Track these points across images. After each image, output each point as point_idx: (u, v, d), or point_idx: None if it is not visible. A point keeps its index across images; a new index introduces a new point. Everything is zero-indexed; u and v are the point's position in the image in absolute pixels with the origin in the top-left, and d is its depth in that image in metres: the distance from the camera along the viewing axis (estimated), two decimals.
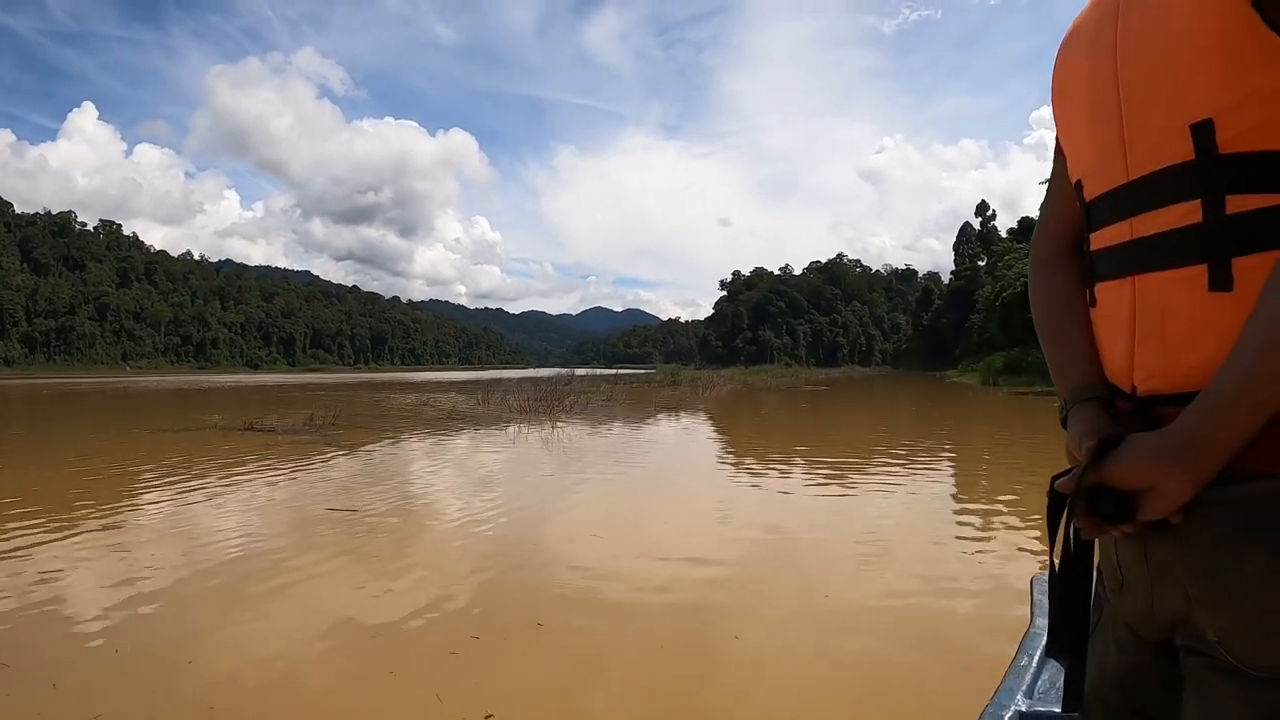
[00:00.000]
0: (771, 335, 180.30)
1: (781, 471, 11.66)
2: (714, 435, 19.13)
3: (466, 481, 10.45)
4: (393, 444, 14.60)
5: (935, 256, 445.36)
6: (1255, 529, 0.90)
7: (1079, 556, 1.09)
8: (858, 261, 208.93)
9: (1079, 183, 1.14)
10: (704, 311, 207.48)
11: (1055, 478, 1.05)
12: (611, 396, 29.80)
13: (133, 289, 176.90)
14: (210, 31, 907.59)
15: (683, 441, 17.26)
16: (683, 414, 23.83)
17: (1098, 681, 1.15)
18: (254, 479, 10.23)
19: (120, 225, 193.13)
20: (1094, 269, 1.11)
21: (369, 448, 13.85)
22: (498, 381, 33.04)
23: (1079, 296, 1.16)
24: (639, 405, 26.29)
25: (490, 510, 8.30)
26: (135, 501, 8.76)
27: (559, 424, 18.66)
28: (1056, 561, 1.10)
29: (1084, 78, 1.11)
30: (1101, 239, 1.08)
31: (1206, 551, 0.94)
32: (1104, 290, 1.09)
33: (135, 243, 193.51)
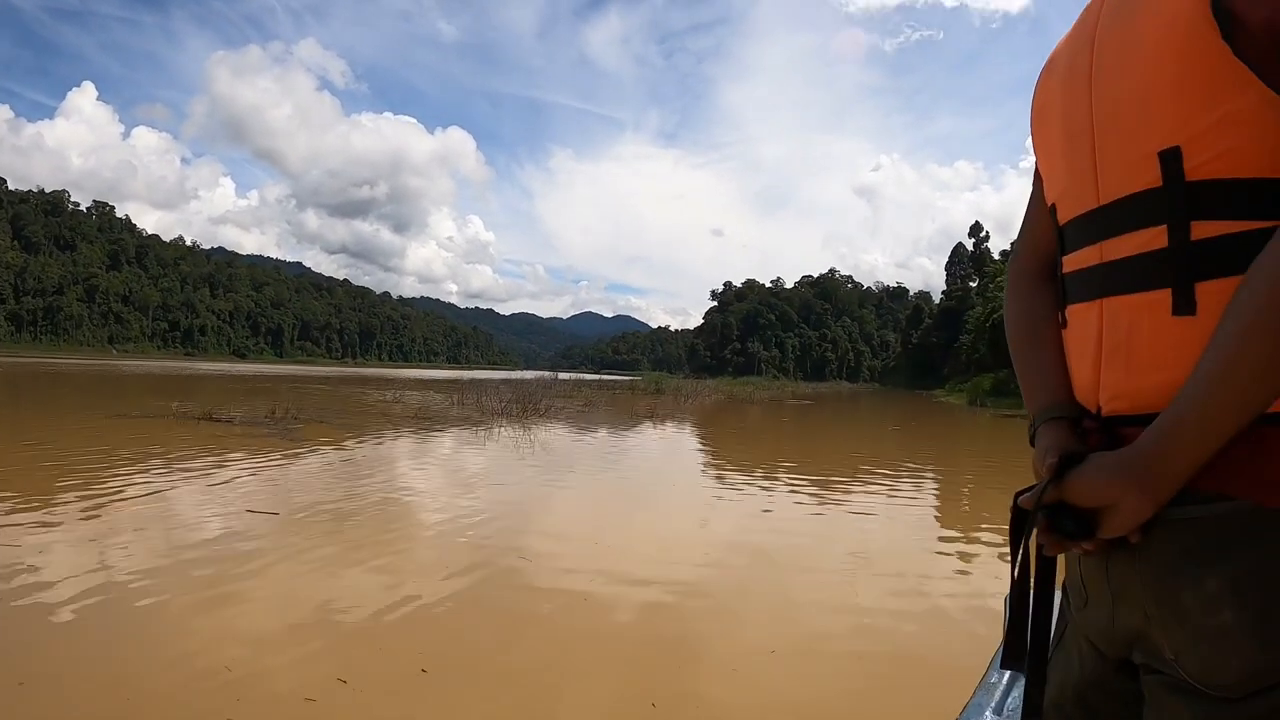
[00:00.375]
0: (760, 347, 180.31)
1: (762, 488, 11.22)
2: (692, 447, 18.64)
3: (414, 488, 9.75)
4: (351, 442, 13.82)
5: (927, 275, 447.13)
6: (1211, 550, 0.92)
7: (1042, 572, 1.10)
8: (849, 277, 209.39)
9: (1054, 206, 1.16)
10: (694, 321, 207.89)
11: (1019, 494, 1.06)
12: (590, 402, 29.53)
13: (123, 272, 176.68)
14: (212, 17, 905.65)
15: (659, 452, 16.62)
16: (662, 423, 23.59)
17: (1058, 697, 1.16)
18: (184, 472, 9.67)
19: (113, 207, 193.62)
20: (1065, 291, 1.13)
21: (322, 445, 13.12)
22: (478, 382, 32.23)
23: (1052, 318, 1.18)
24: (618, 412, 25.83)
25: (435, 520, 7.72)
26: (43, 491, 8.17)
27: (531, 428, 18.25)
28: (1015, 575, 1.10)
29: (1059, 103, 1.13)
30: (1073, 262, 1.10)
31: (1164, 571, 0.96)
32: (1074, 312, 1.11)
33: (127, 225, 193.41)
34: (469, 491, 9.22)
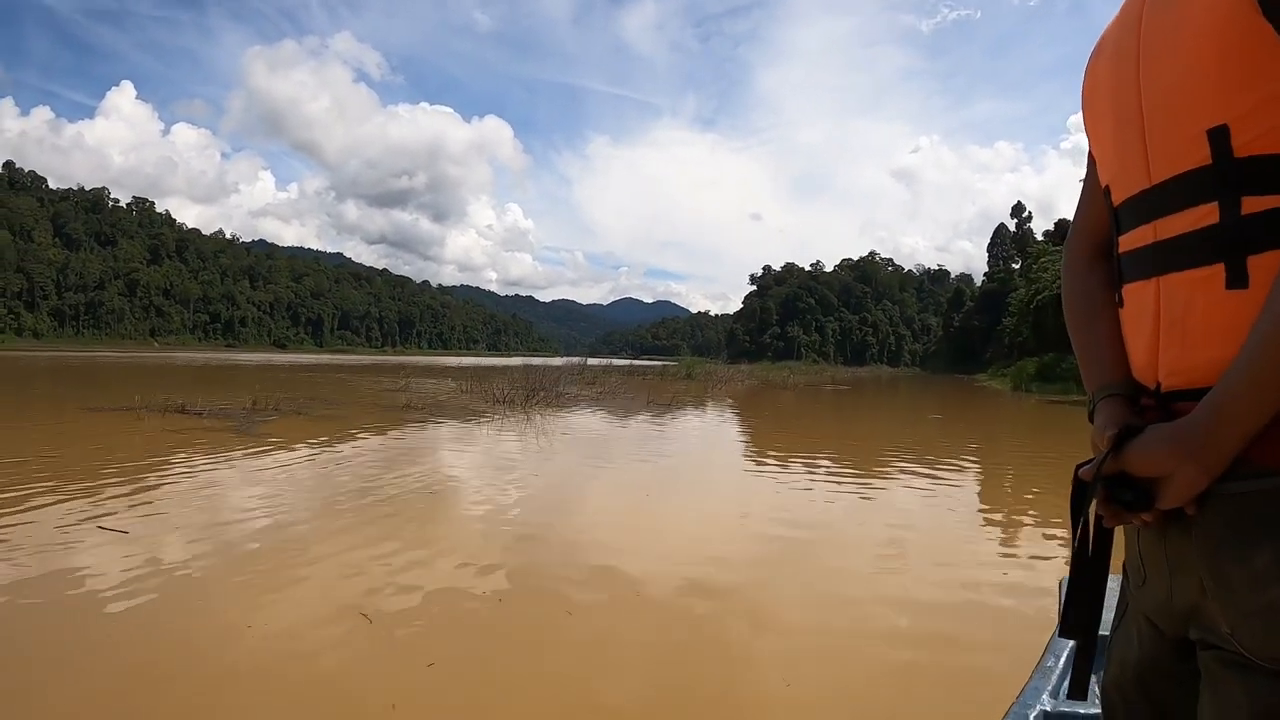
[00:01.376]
0: (800, 332, 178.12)
1: (792, 479, 10.44)
2: (707, 440, 16.75)
3: (314, 516, 7.29)
4: (312, 441, 12.30)
5: (968, 259, 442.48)
6: (1263, 523, 0.93)
7: (1099, 546, 1.14)
8: (889, 260, 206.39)
9: (1107, 188, 1.19)
10: (734, 306, 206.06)
11: (1079, 466, 1.11)
12: (607, 389, 27.88)
13: (163, 266, 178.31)
14: (247, 12, 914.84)
15: (668, 448, 14.50)
16: (685, 411, 21.96)
17: (1118, 675, 1.20)
18: (83, 476, 8.56)
19: (153, 203, 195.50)
20: (1122, 271, 1.16)
21: (274, 445, 11.62)
22: (501, 369, 31.23)
23: (1109, 298, 1.21)
24: (636, 400, 24.32)
25: (309, 571, 5.53)
26: None
27: (533, 419, 17.03)
28: (1075, 546, 1.14)
29: (1109, 86, 1.17)
30: (1128, 242, 1.14)
31: (1218, 544, 0.98)
32: (1130, 291, 1.14)
33: (167, 220, 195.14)
34: (389, 535, 6.52)
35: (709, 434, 17.18)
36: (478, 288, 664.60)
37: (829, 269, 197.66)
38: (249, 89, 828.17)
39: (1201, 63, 1.00)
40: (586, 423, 17.40)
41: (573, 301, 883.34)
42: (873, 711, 3.62)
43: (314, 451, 11.21)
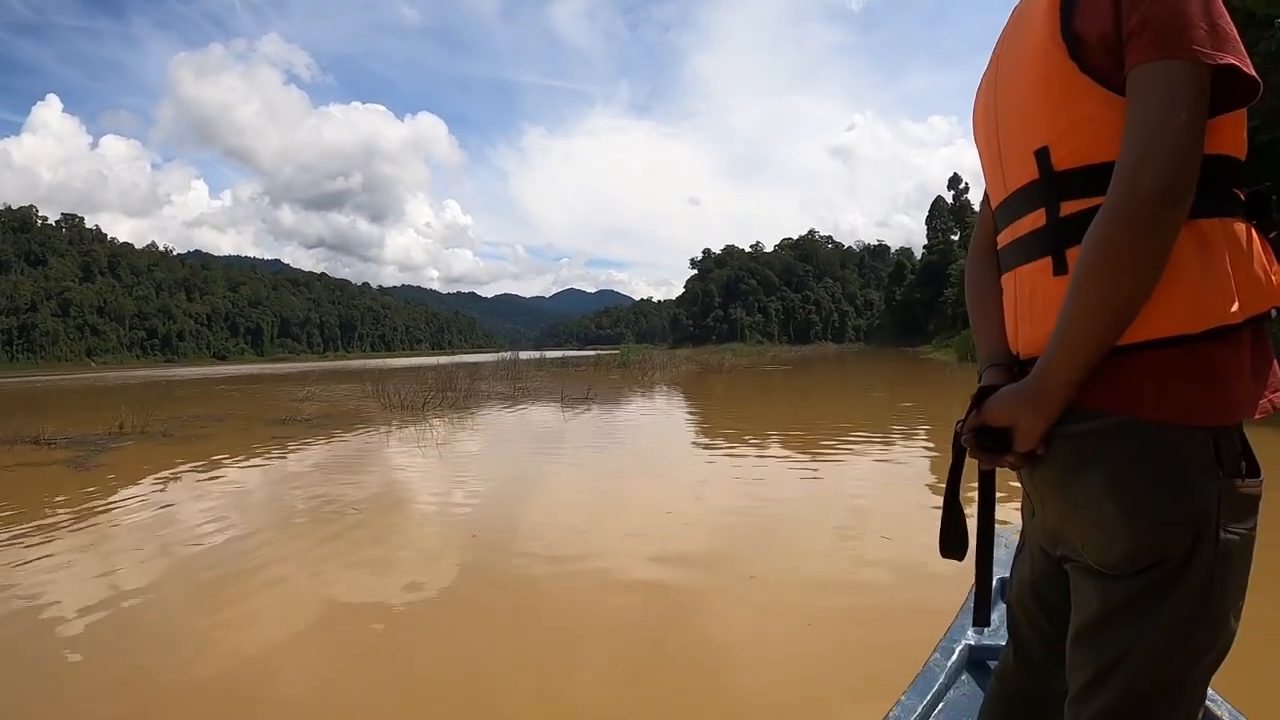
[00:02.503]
0: (743, 313, 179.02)
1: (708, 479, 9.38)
2: (616, 435, 14.77)
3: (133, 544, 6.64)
4: (160, 471, 10.64)
5: (907, 233, 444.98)
6: (1093, 454, 1.17)
7: (984, 486, 1.43)
8: (829, 238, 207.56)
9: (987, 196, 1.49)
10: (677, 291, 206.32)
11: (958, 422, 1.35)
12: (523, 387, 25.81)
13: (96, 283, 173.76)
14: (171, 19, 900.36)
15: (563, 450, 12.44)
16: (606, 404, 20.53)
17: (1018, 591, 1.48)
18: None
19: (83, 219, 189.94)
20: (999, 264, 1.44)
21: (109, 479, 10.03)
22: (428, 368, 28.69)
23: (995, 286, 1.46)
24: (553, 396, 23.11)
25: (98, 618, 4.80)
26: None
27: (430, 424, 16.27)
28: (948, 482, 1.42)
29: (982, 110, 1.43)
30: (1000, 240, 1.41)
31: (1062, 476, 1.23)
32: (1004, 281, 1.41)
33: (98, 236, 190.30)
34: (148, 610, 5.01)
35: (624, 434, 14.96)
36: (419, 287, 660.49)
37: (769, 249, 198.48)
38: (177, 97, 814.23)
39: (1028, 94, 1.25)
40: (485, 426, 16.21)
41: (516, 295, 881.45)
42: (820, 652, 4.05)
43: (136, 495, 9.12)
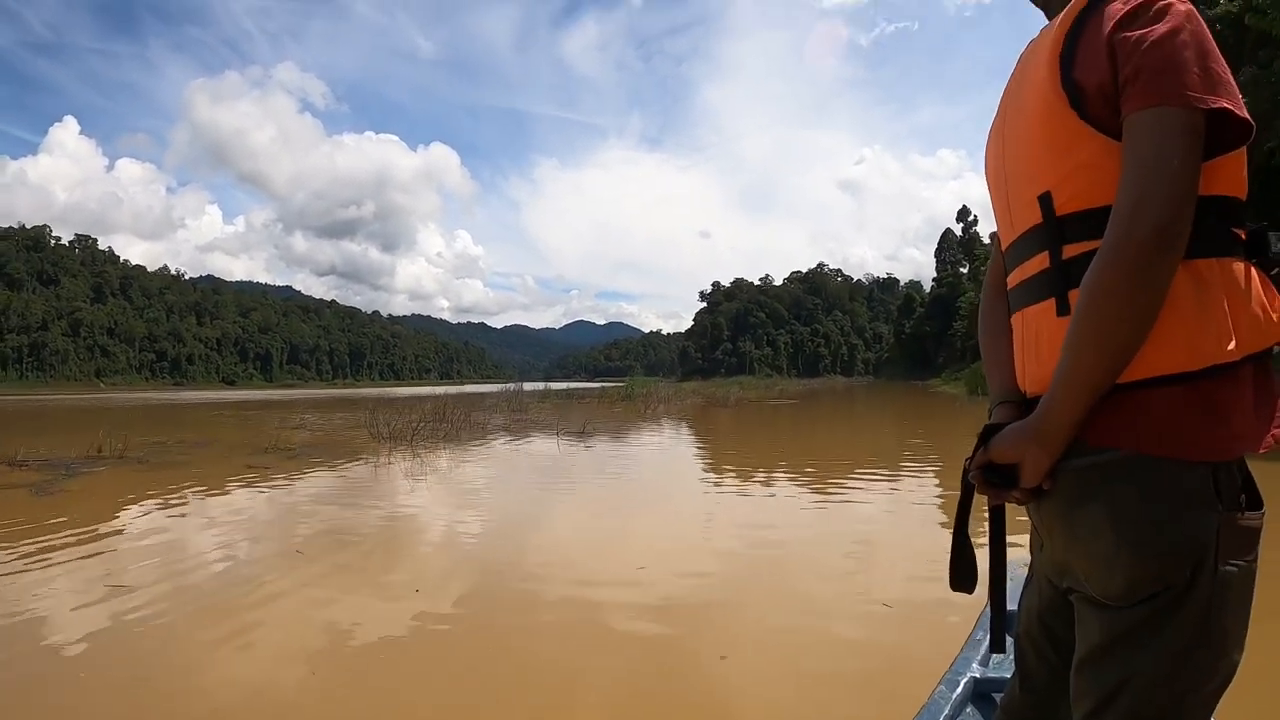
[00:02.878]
0: (751, 346, 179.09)
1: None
2: (610, 471, 13.27)
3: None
4: (127, 499, 10.01)
5: (917, 266, 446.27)
6: (1094, 491, 1.21)
7: (995, 519, 1.45)
8: (838, 271, 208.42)
9: (998, 238, 1.52)
10: (686, 324, 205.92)
11: (967, 459, 1.38)
12: (522, 419, 24.26)
13: (107, 304, 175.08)
14: (189, 43, 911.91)
15: (552, 488, 11.25)
16: (604, 439, 18.87)
17: (1026, 623, 1.49)
18: None
19: (95, 240, 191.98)
20: (1009, 304, 1.46)
21: (72, 506, 9.34)
22: (415, 399, 27.89)
23: (1005, 324, 1.49)
24: (564, 424, 22.03)
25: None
26: None
27: (421, 458, 14.67)
28: (957, 518, 1.46)
29: (992, 154, 1.48)
30: (1009, 281, 1.44)
31: (1066, 510, 1.26)
32: (1013, 320, 1.43)
33: (110, 258, 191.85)
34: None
35: (618, 472, 13.52)
36: (429, 316, 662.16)
37: (778, 282, 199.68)
38: (193, 121, 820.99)
39: (1032, 141, 1.30)
40: (473, 460, 14.62)
41: (526, 326, 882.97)
42: (823, 686, 3.86)
43: (85, 526, 8.24)
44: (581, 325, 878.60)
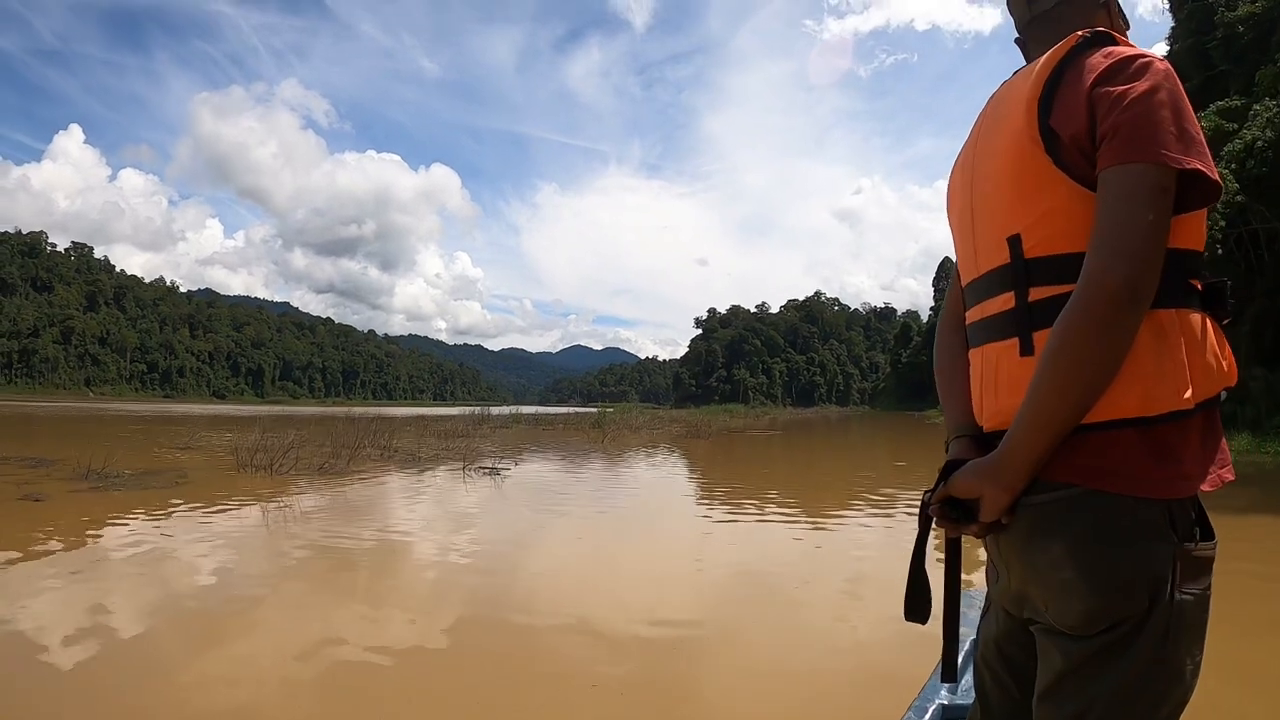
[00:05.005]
0: (746, 374, 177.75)
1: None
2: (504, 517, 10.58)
3: None
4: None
5: (913, 296, 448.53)
6: (1055, 524, 1.24)
7: (951, 552, 1.49)
8: (835, 300, 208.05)
9: (958, 273, 1.56)
10: (682, 350, 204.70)
11: (925, 492, 1.40)
12: (443, 449, 20.64)
13: (100, 313, 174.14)
14: (195, 58, 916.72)
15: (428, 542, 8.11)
16: (528, 473, 16.35)
17: (984, 651, 1.51)
18: None
19: (92, 249, 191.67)
20: (967, 339, 1.51)
21: None
22: (387, 419, 24.46)
23: (962, 360, 1.53)
24: (499, 452, 20.37)
25: None
26: None
27: (259, 493, 12.06)
28: (914, 550, 1.46)
29: (957, 192, 1.52)
30: (969, 317, 1.48)
31: (1025, 543, 1.29)
32: (971, 355, 1.48)
33: (105, 266, 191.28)
34: None
35: (473, 541, 11.34)
36: (426, 337, 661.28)
37: (775, 310, 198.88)
38: (196, 135, 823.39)
39: (1003, 184, 1.33)
40: (316, 498, 11.69)
41: (522, 349, 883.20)
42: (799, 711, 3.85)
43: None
44: (578, 350, 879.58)
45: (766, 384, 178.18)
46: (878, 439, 36.69)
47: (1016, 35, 1.58)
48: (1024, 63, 1.49)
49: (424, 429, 25.21)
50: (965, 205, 1.46)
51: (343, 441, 17.71)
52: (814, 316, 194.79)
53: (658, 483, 16.44)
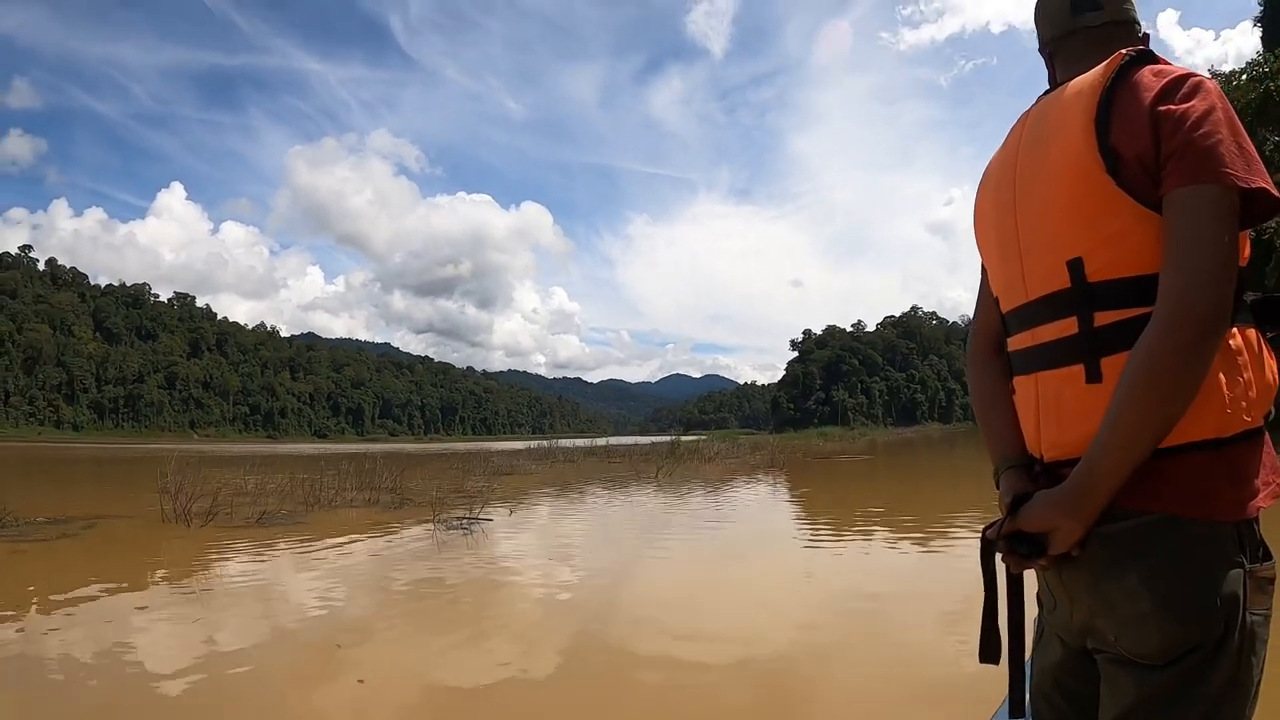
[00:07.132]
0: (845, 395, 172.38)
1: None
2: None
3: None
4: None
5: None
6: (1129, 553, 1.22)
7: (1013, 588, 1.45)
8: (933, 314, 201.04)
9: (997, 298, 1.52)
10: (780, 374, 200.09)
11: (985, 528, 1.38)
12: (451, 490, 16.44)
13: (203, 359, 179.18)
14: (287, 113, 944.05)
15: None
16: (504, 527, 12.31)
17: (1040, 681, 1.49)
18: None
19: (194, 298, 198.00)
20: (1012, 366, 1.47)
21: None
22: (464, 454, 22.58)
23: (1004, 386, 1.51)
24: (518, 498, 16.68)
25: None
26: None
27: (161, 557, 9.49)
28: (985, 592, 1.45)
29: (993, 214, 1.48)
30: (1015, 344, 1.45)
31: (1097, 575, 1.26)
32: (1019, 383, 1.44)
33: (207, 314, 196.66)
34: None
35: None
36: (525, 371, 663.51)
37: (871, 328, 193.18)
38: (293, 186, 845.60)
39: (1060, 206, 1.29)
40: (217, 573, 8.25)
41: (621, 381, 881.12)
42: None
43: None
44: (677, 378, 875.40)
45: (866, 404, 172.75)
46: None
47: (1041, 46, 1.56)
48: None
49: (468, 467, 22.15)
50: (1007, 229, 1.41)
51: (327, 483, 15.18)
52: (912, 332, 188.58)
53: (683, 545, 12.40)
